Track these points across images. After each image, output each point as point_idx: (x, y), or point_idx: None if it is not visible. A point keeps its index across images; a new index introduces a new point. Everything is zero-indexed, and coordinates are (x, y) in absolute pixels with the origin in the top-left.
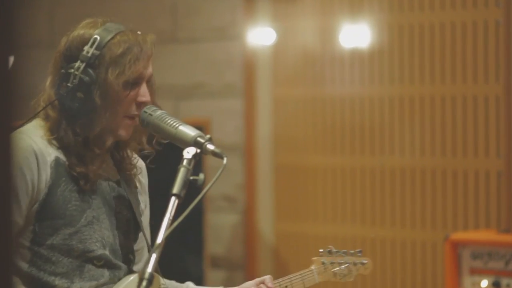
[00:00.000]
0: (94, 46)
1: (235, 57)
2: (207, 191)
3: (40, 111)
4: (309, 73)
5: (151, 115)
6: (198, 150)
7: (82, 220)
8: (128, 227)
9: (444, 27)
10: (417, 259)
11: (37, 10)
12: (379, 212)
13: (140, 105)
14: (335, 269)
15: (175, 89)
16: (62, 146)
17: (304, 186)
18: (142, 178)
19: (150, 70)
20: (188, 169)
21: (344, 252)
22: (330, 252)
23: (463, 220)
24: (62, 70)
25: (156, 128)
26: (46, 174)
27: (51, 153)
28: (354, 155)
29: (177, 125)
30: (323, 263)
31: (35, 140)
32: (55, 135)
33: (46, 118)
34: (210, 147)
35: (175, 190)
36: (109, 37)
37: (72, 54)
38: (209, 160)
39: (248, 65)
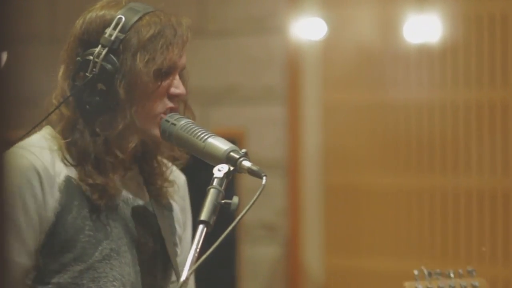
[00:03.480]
0: (118, 28)
1: (276, 54)
2: (242, 217)
3: (52, 112)
4: (367, 74)
5: (174, 124)
6: (232, 168)
7: (97, 254)
8: (153, 261)
9: None
10: None
11: None
12: (452, 244)
13: (174, 98)
14: None
15: (203, 92)
16: (76, 154)
17: (360, 211)
18: (180, 196)
19: (184, 59)
20: (219, 191)
21: (449, 273)
22: (429, 274)
23: None
24: (78, 58)
25: (180, 140)
26: (54, 199)
27: (60, 172)
28: (421, 174)
29: (206, 137)
30: None
31: (41, 156)
32: (70, 138)
33: (60, 118)
34: (246, 164)
35: (204, 216)
36: (136, 18)
37: (90, 38)
38: (245, 180)
39: (292, 64)
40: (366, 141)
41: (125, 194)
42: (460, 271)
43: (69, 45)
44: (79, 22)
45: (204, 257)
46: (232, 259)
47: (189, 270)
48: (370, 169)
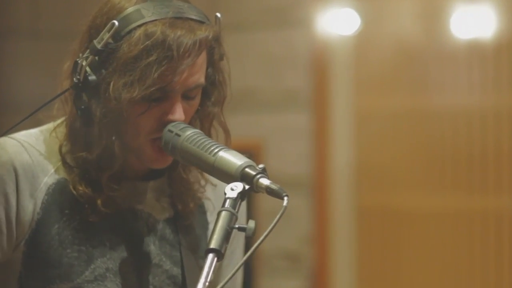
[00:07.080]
0: (109, 34)
1: (300, 52)
2: (260, 245)
3: (35, 112)
4: (407, 76)
5: (178, 135)
6: (247, 187)
7: (87, 273)
8: (171, 285)
9: None
10: None
11: None
12: (508, 276)
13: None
14: None
15: None
16: (71, 158)
17: (399, 238)
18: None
19: (193, 78)
20: (232, 214)
21: None
22: None
23: None
24: (80, 54)
25: (185, 154)
26: (35, 202)
27: (52, 173)
28: (471, 195)
29: (216, 150)
30: None
31: (31, 150)
32: (67, 139)
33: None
34: (264, 181)
35: (214, 243)
36: (131, 27)
37: (92, 33)
38: (263, 201)
39: (319, 63)
40: (406, 156)
41: (138, 207)
42: None
43: (82, 34)
44: (98, 6)
45: None
46: None
47: None
48: (411, 189)
